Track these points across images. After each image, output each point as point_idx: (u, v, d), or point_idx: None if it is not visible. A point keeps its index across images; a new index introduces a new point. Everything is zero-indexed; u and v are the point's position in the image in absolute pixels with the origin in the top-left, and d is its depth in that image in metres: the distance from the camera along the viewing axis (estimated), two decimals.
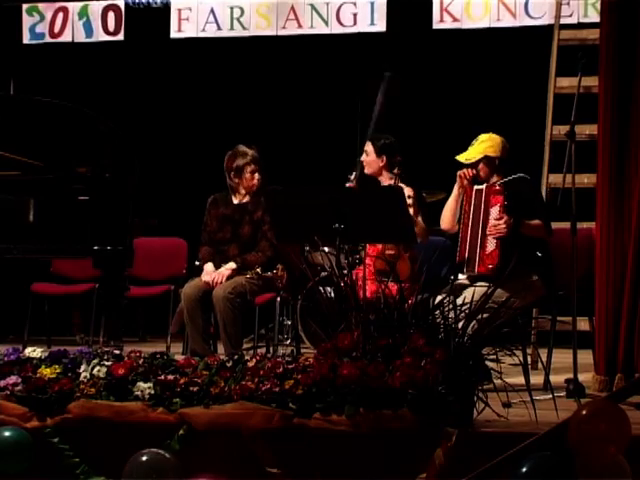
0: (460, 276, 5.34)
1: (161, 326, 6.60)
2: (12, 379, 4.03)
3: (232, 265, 5.91)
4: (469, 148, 5.42)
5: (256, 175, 6.07)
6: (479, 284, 4.99)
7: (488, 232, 5.20)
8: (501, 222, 5.16)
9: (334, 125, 8.38)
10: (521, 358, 4.01)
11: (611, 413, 3.34)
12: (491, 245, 5.18)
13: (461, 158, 5.39)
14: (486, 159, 5.35)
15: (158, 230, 8.38)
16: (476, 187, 5.32)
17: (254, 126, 8.67)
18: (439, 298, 4.07)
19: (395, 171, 5.75)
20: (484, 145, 5.37)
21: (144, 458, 3.70)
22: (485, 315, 3.93)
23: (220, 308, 5.69)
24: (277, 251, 6.00)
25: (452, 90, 8.41)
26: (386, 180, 5.90)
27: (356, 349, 3.81)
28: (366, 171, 6.03)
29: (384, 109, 7.30)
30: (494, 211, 5.22)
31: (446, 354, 3.73)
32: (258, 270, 5.87)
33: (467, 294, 4.72)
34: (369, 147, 5.98)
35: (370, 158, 5.95)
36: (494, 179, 5.36)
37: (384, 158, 5.94)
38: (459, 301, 4.19)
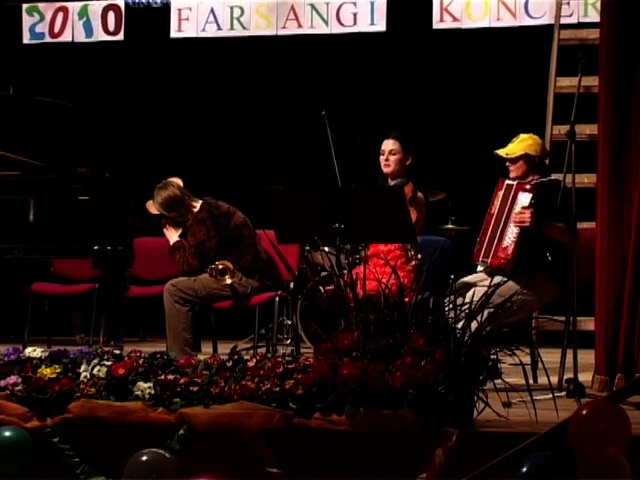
0: (479, 268, 5.33)
1: (161, 326, 6.58)
2: (12, 379, 4.02)
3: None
4: (509, 145, 5.36)
5: None
6: (480, 284, 4.99)
7: (512, 220, 5.15)
8: (527, 212, 5.12)
9: (334, 125, 8.37)
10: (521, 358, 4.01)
11: (611, 413, 3.34)
12: (509, 240, 5.15)
13: (501, 152, 5.33)
14: (526, 157, 5.31)
15: (158, 230, 8.37)
16: (507, 181, 5.30)
17: (254, 126, 8.68)
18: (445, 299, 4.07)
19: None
20: (526, 143, 5.32)
21: (144, 458, 3.69)
22: (488, 312, 3.92)
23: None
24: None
25: (452, 90, 8.40)
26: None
27: (356, 349, 3.81)
28: (389, 170, 5.79)
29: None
30: (521, 205, 5.17)
31: (446, 354, 3.73)
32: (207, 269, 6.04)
33: (468, 295, 4.72)
34: (396, 145, 5.79)
35: (398, 157, 5.77)
36: (529, 178, 5.31)
37: (409, 157, 5.79)
38: (460, 301, 4.18)
